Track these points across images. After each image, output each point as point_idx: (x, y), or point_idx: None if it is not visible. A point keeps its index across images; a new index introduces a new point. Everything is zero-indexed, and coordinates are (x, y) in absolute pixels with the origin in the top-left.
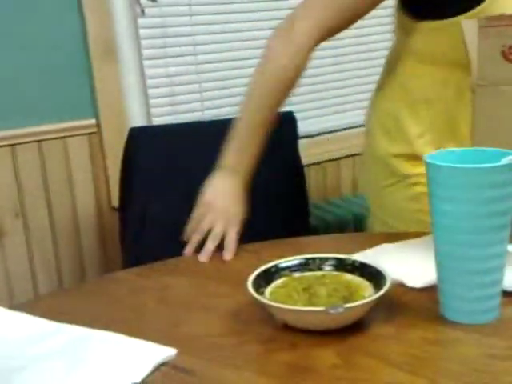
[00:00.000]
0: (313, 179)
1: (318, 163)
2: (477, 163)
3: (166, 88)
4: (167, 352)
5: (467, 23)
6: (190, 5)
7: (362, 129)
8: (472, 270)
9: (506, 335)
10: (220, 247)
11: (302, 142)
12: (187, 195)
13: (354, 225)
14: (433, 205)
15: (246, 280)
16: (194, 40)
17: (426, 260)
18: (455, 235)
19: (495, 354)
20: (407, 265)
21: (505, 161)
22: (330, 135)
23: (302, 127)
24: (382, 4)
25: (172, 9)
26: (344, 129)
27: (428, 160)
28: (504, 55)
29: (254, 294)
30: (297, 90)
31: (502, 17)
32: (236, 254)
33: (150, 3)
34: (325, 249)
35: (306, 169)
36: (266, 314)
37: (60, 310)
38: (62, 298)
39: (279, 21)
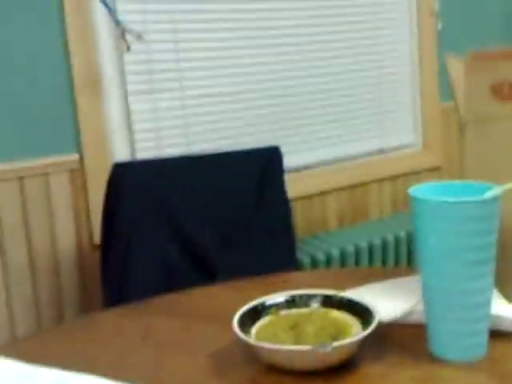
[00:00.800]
0: (299, 213)
1: (304, 197)
2: (462, 196)
3: (151, 123)
4: None
5: (452, 58)
6: (175, 41)
7: (348, 163)
8: (459, 305)
9: (495, 372)
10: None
11: (288, 176)
12: (171, 231)
13: (341, 259)
14: (418, 239)
15: (231, 318)
16: (179, 75)
17: (403, 296)
18: (441, 269)
19: None
20: (386, 301)
21: (488, 194)
22: (316, 169)
23: (289, 161)
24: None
25: (158, 45)
26: (330, 163)
27: (412, 194)
28: (494, 91)
29: (240, 333)
30: (283, 124)
31: (489, 52)
32: (221, 292)
33: (136, 39)
34: (311, 285)
35: (292, 203)
36: (252, 354)
37: (38, 351)
38: (40, 339)
39: (262, 57)
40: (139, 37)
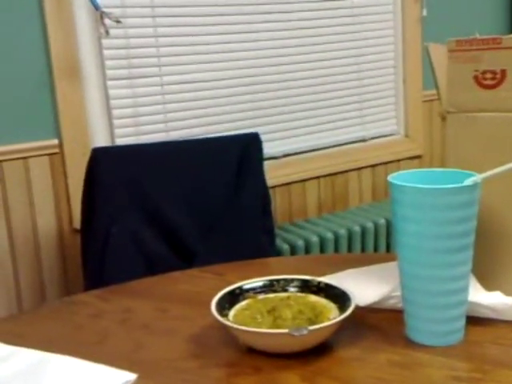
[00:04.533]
0: (278, 201)
1: (284, 185)
2: (441, 184)
3: (130, 109)
4: (127, 377)
5: (434, 47)
6: (155, 26)
7: (327, 151)
8: (436, 291)
9: (470, 357)
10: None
11: (267, 164)
12: (150, 217)
13: (320, 246)
14: (397, 225)
15: (209, 302)
16: (159, 61)
17: (381, 281)
18: (419, 256)
19: (459, 376)
20: (364, 286)
21: (467, 182)
22: (295, 157)
23: (268, 149)
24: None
25: (137, 30)
26: (310, 151)
27: (391, 180)
28: (477, 80)
29: (217, 316)
30: (263, 111)
31: (472, 40)
32: (200, 276)
33: (115, 24)
34: (290, 270)
35: (271, 190)
36: (229, 337)
37: (18, 333)
38: (20, 321)
39: (244, 44)
40: (118, 21)
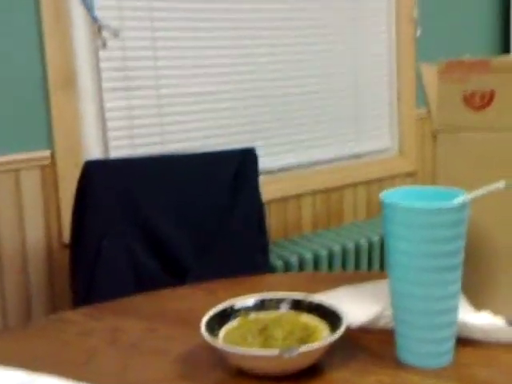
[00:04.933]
0: (273, 215)
1: (279, 199)
2: (433, 202)
3: (125, 121)
4: None
5: (426, 67)
6: (153, 39)
7: (324, 166)
8: (426, 310)
9: (460, 379)
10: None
11: (263, 178)
12: (143, 232)
13: (314, 263)
14: (388, 243)
15: (200, 321)
16: (156, 74)
17: (373, 300)
18: (409, 274)
19: None
20: (356, 306)
21: (456, 201)
22: (291, 172)
23: (264, 163)
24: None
25: (135, 42)
26: (306, 166)
27: (383, 199)
28: (466, 101)
29: (206, 336)
30: (259, 126)
31: (461, 63)
32: (192, 294)
33: (112, 36)
34: (283, 288)
35: (266, 205)
36: (220, 358)
37: (3, 352)
38: (5, 339)
39: (239, 58)
40: (116, 33)
